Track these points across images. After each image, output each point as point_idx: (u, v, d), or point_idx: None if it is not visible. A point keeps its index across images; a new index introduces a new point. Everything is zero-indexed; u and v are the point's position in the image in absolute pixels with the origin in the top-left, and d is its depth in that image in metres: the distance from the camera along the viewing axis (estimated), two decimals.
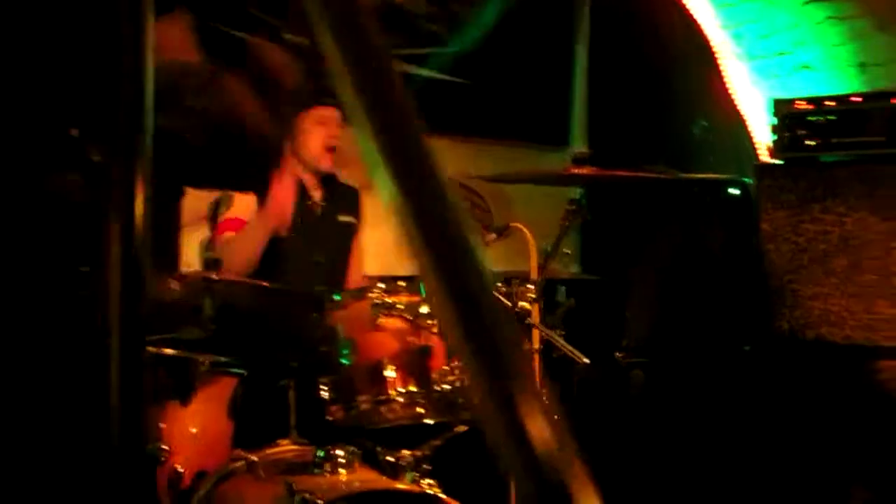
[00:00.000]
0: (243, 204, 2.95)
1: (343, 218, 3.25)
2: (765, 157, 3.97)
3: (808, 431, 3.32)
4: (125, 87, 0.67)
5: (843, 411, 3.30)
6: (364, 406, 2.19)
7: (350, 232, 3.29)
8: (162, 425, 2.22)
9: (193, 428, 2.29)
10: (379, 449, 2.35)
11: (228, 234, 2.92)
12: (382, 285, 2.27)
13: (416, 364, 2.20)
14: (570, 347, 2.16)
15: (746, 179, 3.87)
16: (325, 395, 2.22)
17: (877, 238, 3.34)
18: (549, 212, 3.93)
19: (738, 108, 4.30)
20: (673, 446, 3.54)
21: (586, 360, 2.15)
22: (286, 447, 2.24)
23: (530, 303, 2.15)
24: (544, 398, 0.48)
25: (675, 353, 3.75)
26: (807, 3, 3.92)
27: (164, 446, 2.18)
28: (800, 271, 3.46)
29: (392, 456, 2.31)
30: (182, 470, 2.22)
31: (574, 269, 4.17)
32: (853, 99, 3.43)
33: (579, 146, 4.39)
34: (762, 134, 4.17)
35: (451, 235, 0.48)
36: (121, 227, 0.66)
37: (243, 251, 2.83)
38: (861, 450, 3.27)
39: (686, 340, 3.76)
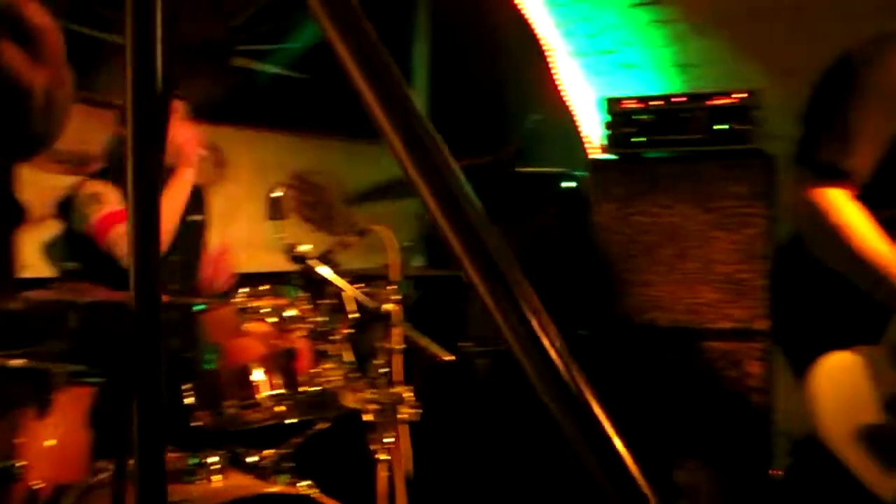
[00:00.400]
0: (112, 195, 2.89)
1: (191, 217, 3.21)
2: (596, 152, 4.20)
3: (641, 408, 3.56)
4: None
5: (673, 389, 3.56)
6: (231, 410, 2.20)
7: (199, 230, 3.25)
8: (17, 441, 2.15)
9: (50, 441, 2.23)
10: (241, 450, 2.37)
11: (119, 228, 2.84)
12: (246, 289, 2.28)
13: (282, 366, 2.23)
14: (434, 345, 2.24)
15: (580, 173, 4.08)
16: (189, 400, 2.21)
17: (698, 228, 3.61)
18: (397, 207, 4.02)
19: (570, 103, 4.51)
20: (517, 429, 3.71)
21: (451, 357, 2.24)
22: None
23: (394, 303, 2.22)
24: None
25: None
26: (633, 5, 4.16)
27: (19, 462, 2.11)
28: (630, 260, 3.70)
29: (254, 456, 2.34)
30: (40, 485, 2.16)
31: (418, 262, 4.27)
32: (676, 99, 3.68)
33: None
34: (593, 129, 4.40)
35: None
36: None
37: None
38: (689, 423, 3.54)
39: None
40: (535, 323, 0.62)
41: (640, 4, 4.15)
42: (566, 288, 3.89)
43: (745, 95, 3.55)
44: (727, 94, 3.58)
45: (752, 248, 3.53)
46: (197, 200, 3.26)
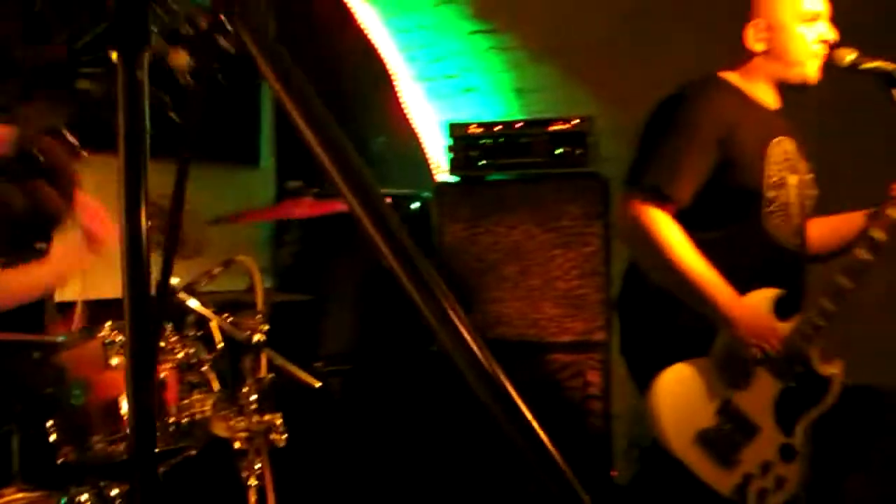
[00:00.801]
0: None
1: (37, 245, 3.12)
2: (442, 174, 4.35)
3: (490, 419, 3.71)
4: None
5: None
6: (99, 445, 2.19)
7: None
8: None
9: None
10: (103, 484, 2.35)
11: None
12: (110, 323, 2.27)
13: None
14: (302, 373, 2.31)
15: (426, 195, 4.22)
16: (54, 437, 2.18)
17: (539, 247, 3.81)
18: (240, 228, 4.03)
19: (414, 126, 4.65)
20: (374, 444, 3.79)
21: (318, 384, 2.30)
22: (12, 496, 2.18)
23: (261, 332, 2.27)
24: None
25: (370, 359, 4.01)
26: (473, 33, 4.34)
27: None
28: (477, 279, 3.86)
29: (117, 489, 2.33)
30: None
31: (268, 284, 4.29)
32: (517, 125, 3.88)
33: (267, 163, 4.50)
34: (437, 152, 4.55)
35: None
36: None
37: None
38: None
39: (380, 347, 4.03)
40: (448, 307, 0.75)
41: (479, 32, 4.34)
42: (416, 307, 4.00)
43: (582, 121, 3.79)
44: (565, 120, 3.80)
45: (589, 265, 3.77)
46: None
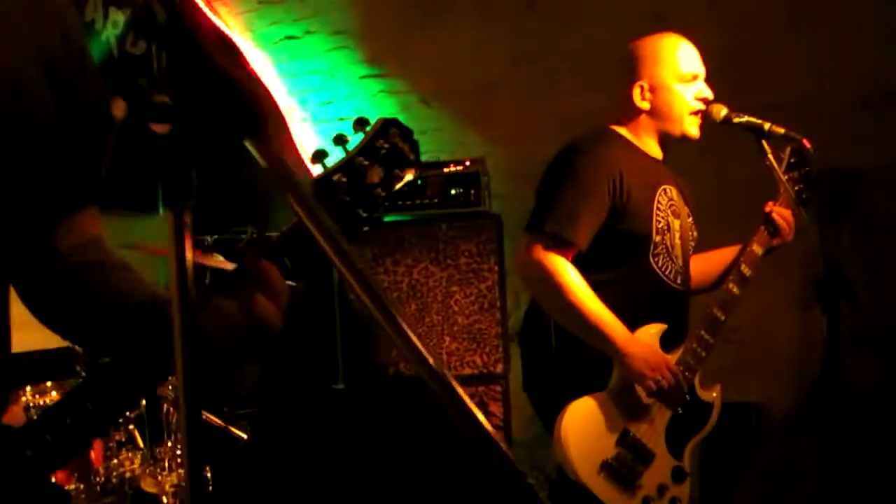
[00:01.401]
0: None
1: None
2: None
3: (398, 453, 3.85)
4: None
5: (425, 432, 3.88)
6: None
7: None
8: None
9: None
10: None
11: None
12: (29, 388, 2.30)
13: (77, 459, 2.28)
14: (230, 426, 2.38)
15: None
16: None
17: (438, 285, 3.97)
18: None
19: (308, 168, 4.74)
20: (287, 483, 3.86)
21: (244, 436, 2.39)
22: None
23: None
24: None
25: (277, 400, 4.08)
26: (363, 77, 4.48)
27: None
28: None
29: None
30: None
31: None
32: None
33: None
34: None
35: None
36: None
37: None
38: (441, 464, 3.87)
39: (287, 388, 4.11)
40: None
41: (371, 76, 4.48)
42: (320, 345, 4.10)
43: (474, 163, 3.97)
44: (459, 162, 3.98)
45: (486, 300, 3.95)
46: None
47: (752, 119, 2.73)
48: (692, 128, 2.74)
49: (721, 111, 2.73)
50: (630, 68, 2.78)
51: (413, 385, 3.93)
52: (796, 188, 2.82)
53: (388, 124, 1.37)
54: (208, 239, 3.41)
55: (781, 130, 2.73)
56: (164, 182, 0.78)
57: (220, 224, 4.06)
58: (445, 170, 3.99)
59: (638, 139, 2.77)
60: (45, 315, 1.27)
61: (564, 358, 2.66)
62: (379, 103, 4.54)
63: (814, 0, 3.78)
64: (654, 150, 2.80)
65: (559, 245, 2.58)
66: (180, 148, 0.79)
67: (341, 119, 4.67)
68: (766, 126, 2.72)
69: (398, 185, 1.32)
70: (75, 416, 1.13)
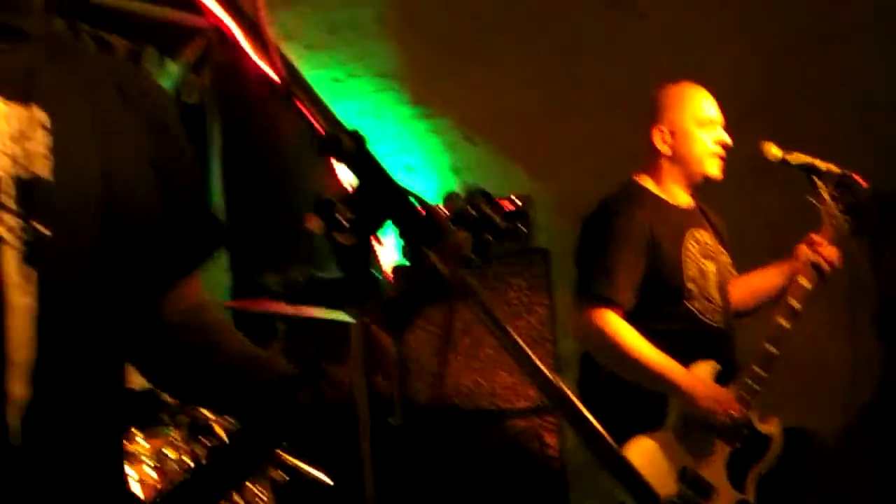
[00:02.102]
0: None
1: None
2: (387, 254, 4.54)
3: (458, 487, 3.92)
4: None
5: (483, 466, 3.95)
6: None
7: None
8: None
9: None
10: None
11: None
12: None
13: None
14: (314, 469, 2.47)
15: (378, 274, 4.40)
16: None
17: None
18: None
19: None
20: None
21: (330, 482, 2.47)
22: None
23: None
24: None
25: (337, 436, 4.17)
26: (408, 117, 4.59)
27: None
28: (435, 352, 4.07)
29: None
30: None
31: None
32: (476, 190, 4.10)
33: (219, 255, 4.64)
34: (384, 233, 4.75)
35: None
36: None
37: None
38: (499, 494, 3.94)
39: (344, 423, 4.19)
40: None
41: (416, 116, 4.59)
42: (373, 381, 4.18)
43: (522, 198, 4.04)
44: (506, 198, 4.05)
45: (537, 333, 4.02)
46: None
47: (808, 160, 2.82)
48: (713, 169, 2.84)
49: (776, 153, 2.83)
50: (651, 113, 2.88)
51: (471, 420, 4.00)
52: (844, 219, 2.88)
53: (480, 194, 1.44)
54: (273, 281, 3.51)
55: (837, 171, 2.82)
56: (350, 284, 0.88)
57: (267, 265, 4.17)
58: None
59: (663, 187, 2.87)
60: (153, 376, 1.37)
61: (620, 400, 2.73)
62: (424, 142, 4.63)
63: (845, 24, 3.84)
64: (681, 197, 2.89)
65: (607, 304, 2.68)
66: (364, 256, 0.89)
67: (387, 156, 4.77)
68: (823, 167, 2.81)
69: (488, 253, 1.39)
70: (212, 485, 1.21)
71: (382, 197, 0.94)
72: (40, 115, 1.06)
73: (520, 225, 4.05)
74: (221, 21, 3.77)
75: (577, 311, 2.73)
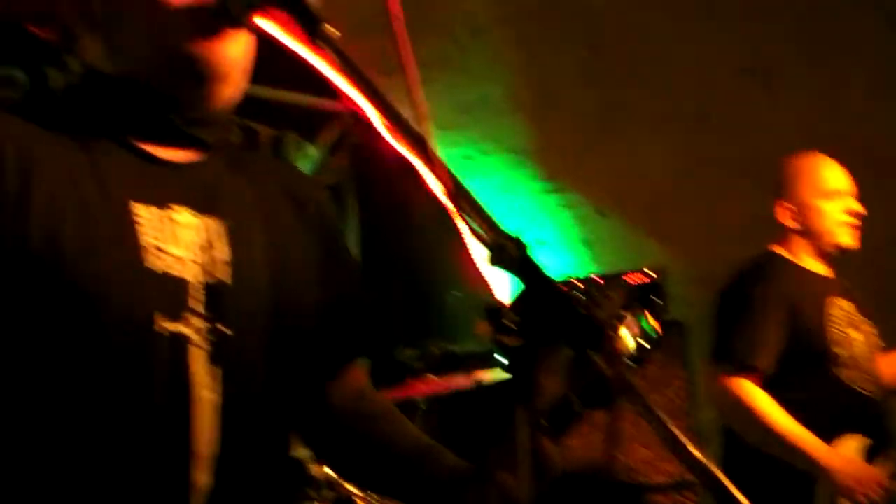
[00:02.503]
0: None
1: None
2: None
3: None
4: None
5: None
6: None
7: None
8: None
9: None
10: None
11: None
12: None
13: None
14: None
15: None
16: None
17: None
18: None
19: (488, 281, 4.91)
20: None
21: None
22: None
23: None
24: None
25: None
26: (539, 193, 4.65)
27: None
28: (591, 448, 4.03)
29: None
30: None
31: None
32: (595, 278, 4.11)
33: None
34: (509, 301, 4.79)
35: None
36: None
37: None
38: None
39: None
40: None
41: (547, 191, 4.65)
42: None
43: (656, 271, 4.02)
44: (640, 271, 4.04)
45: (675, 407, 3.95)
46: None
47: None
48: (845, 238, 2.79)
49: None
50: (777, 188, 2.86)
51: (610, 494, 3.93)
52: None
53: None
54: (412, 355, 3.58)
55: None
56: (516, 387, 0.94)
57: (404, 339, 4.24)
58: (625, 277, 4.04)
59: (798, 258, 2.82)
60: (317, 450, 1.42)
61: (765, 476, 2.66)
62: (555, 217, 4.68)
63: None
64: (816, 267, 2.83)
65: (745, 371, 2.63)
66: (530, 360, 0.94)
67: (519, 231, 4.82)
68: None
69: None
70: None
71: (547, 302, 0.98)
72: (222, 226, 1.15)
73: (655, 298, 4.01)
74: (357, 105, 3.95)
75: (714, 379, 2.69)
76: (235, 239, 1.15)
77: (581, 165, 4.49)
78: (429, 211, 4.91)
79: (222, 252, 1.13)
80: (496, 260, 1.01)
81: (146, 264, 1.06)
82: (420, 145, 1.06)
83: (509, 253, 0.98)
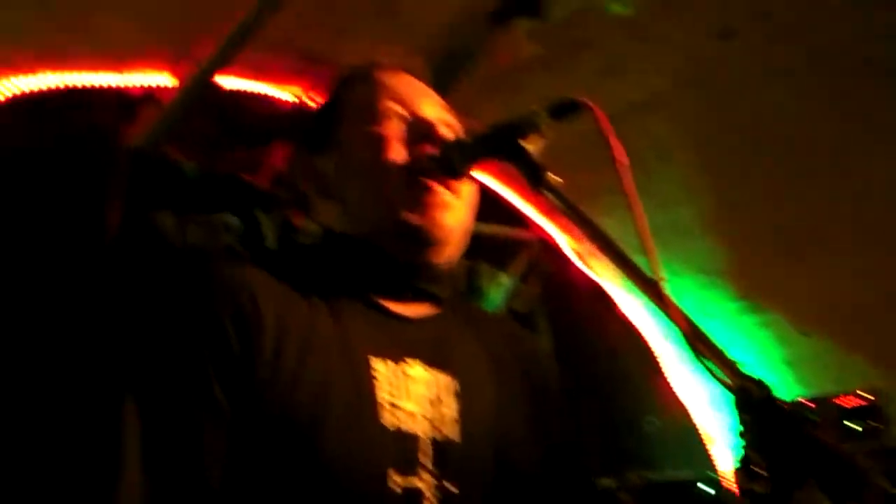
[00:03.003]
0: None
1: None
2: (722, 454, 4.39)
3: None
4: None
5: None
6: None
7: None
8: None
9: None
10: None
11: None
12: None
13: None
14: None
15: (712, 475, 4.25)
16: None
17: None
18: None
19: (684, 405, 4.77)
20: None
21: None
22: None
23: None
24: None
25: None
26: (738, 313, 4.52)
27: None
28: None
29: None
30: None
31: None
32: (805, 402, 3.92)
33: None
34: (710, 428, 4.63)
35: None
36: None
37: None
38: None
39: None
40: None
41: (743, 311, 4.51)
42: None
43: (875, 392, 3.78)
44: (853, 393, 3.82)
45: None
46: None
47: None
48: None
49: None
50: None
51: None
52: None
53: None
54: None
55: None
56: None
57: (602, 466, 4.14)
58: (837, 401, 3.83)
59: None
60: None
61: None
62: (754, 337, 4.53)
63: None
64: None
65: None
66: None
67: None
68: None
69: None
70: None
71: (799, 449, 0.92)
72: (452, 382, 1.17)
73: (873, 423, 3.84)
74: (546, 233, 3.99)
75: None
76: (464, 395, 1.17)
77: (778, 283, 4.35)
78: (622, 337, 4.86)
79: (450, 408, 1.15)
80: (743, 404, 0.96)
81: (381, 421, 1.08)
82: (652, 288, 1.05)
83: (754, 395, 0.94)
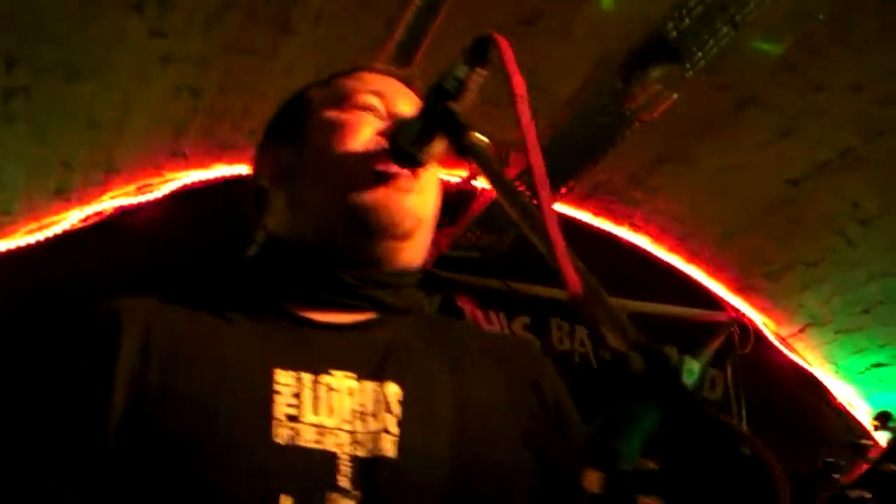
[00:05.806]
0: None
1: None
2: None
3: None
4: None
5: None
6: None
7: None
8: None
9: None
10: None
11: None
12: None
13: None
14: None
15: None
16: None
17: None
18: None
19: None
20: None
21: None
22: None
23: None
24: None
25: None
26: None
27: None
28: None
29: None
30: None
31: None
32: None
33: None
34: None
35: None
36: None
37: None
38: None
39: None
40: None
41: None
42: None
43: None
44: None
45: None
46: None
47: None
48: None
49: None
50: None
51: None
52: None
53: None
54: None
55: None
56: None
57: None
58: None
59: None
60: None
61: None
62: None
63: None
64: None
65: None
66: None
67: None
68: None
69: None
70: None
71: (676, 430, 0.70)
72: (398, 392, 1.03)
73: None
74: (743, 315, 3.69)
75: None
76: (411, 406, 1.02)
77: None
78: (830, 419, 4.38)
79: (385, 422, 1.00)
80: (616, 374, 0.75)
81: (274, 438, 0.96)
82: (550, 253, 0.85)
83: (632, 367, 0.72)
